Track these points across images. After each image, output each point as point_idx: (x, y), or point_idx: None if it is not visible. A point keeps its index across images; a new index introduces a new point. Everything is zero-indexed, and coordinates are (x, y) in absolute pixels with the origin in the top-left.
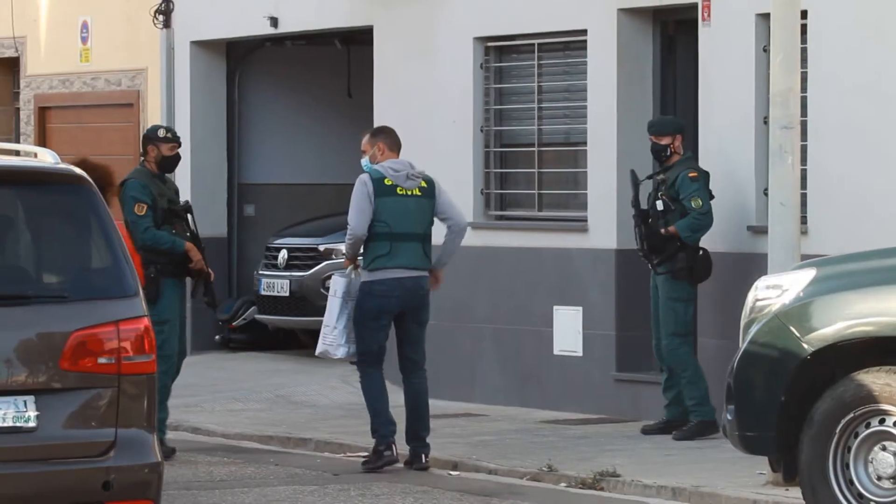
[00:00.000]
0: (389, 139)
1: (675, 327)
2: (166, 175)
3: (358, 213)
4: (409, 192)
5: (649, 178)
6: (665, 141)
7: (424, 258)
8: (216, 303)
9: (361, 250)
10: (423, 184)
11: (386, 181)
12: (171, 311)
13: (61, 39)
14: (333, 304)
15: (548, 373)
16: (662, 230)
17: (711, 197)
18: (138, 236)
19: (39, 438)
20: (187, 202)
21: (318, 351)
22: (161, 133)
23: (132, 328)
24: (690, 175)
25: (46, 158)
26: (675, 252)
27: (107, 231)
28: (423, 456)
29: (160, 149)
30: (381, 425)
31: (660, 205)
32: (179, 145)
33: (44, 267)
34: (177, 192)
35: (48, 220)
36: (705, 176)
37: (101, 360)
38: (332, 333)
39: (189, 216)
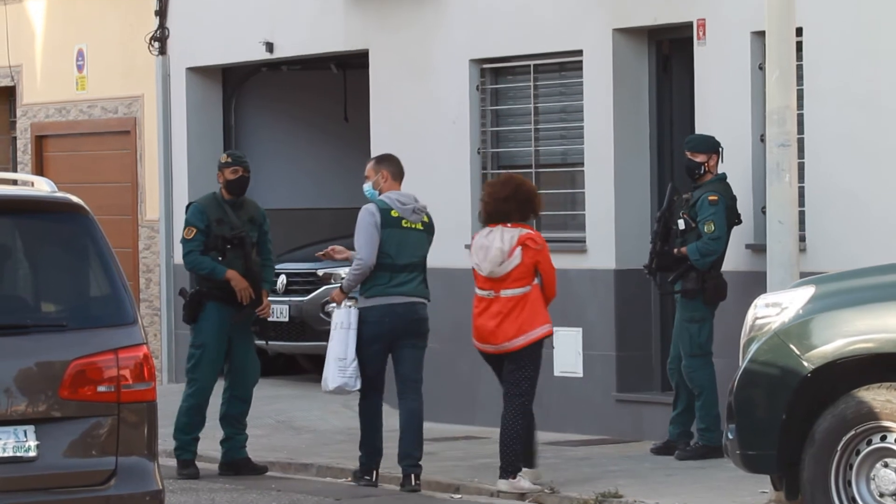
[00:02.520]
0: (393, 168)
1: (690, 348)
2: (248, 202)
3: (366, 244)
4: (413, 226)
5: (681, 196)
6: (700, 158)
7: (421, 286)
8: (267, 334)
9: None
10: (426, 219)
11: (392, 213)
12: (208, 335)
13: (57, 67)
14: (344, 336)
15: (548, 394)
16: (675, 250)
17: (738, 222)
18: (182, 258)
19: (40, 468)
20: (241, 233)
21: (332, 385)
22: (222, 159)
23: (131, 356)
24: (710, 198)
25: (43, 187)
26: (687, 272)
27: (105, 259)
28: (414, 477)
29: (224, 174)
30: (366, 454)
31: (681, 224)
32: (244, 168)
33: (42, 296)
34: (253, 220)
35: (46, 249)
36: (730, 200)
37: (101, 389)
38: (351, 367)
39: (249, 247)
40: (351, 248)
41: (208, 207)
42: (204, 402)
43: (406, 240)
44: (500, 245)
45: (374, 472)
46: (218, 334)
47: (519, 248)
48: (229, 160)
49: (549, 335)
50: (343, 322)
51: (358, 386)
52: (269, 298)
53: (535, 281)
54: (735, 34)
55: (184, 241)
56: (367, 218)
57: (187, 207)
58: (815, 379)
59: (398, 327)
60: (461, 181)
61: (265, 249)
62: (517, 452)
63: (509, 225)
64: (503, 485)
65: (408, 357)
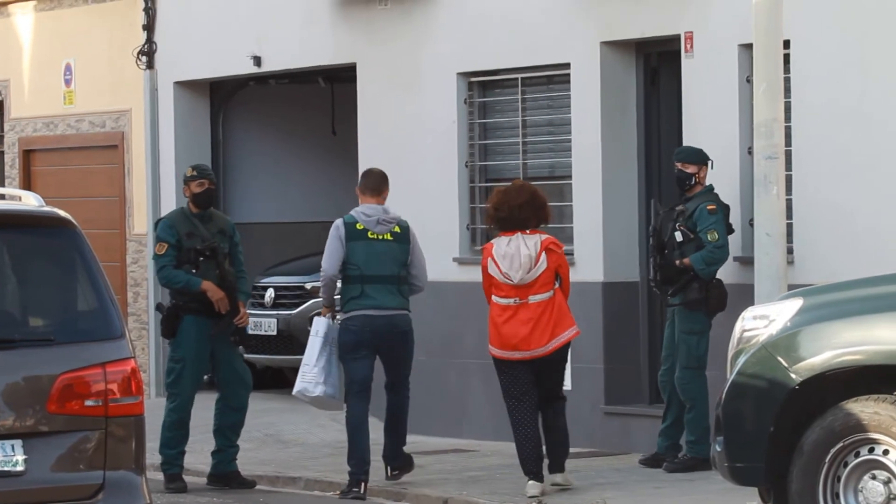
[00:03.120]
0: (366, 181)
1: (687, 360)
2: (216, 215)
3: (328, 256)
4: (380, 237)
5: (671, 209)
6: (691, 170)
7: (397, 298)
8: (245, 342)
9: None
10: (397, 229)
11: (357, 226)
12: (187, 349)
13: (45, 82)
14: (314, 344)
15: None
16: (677, 262)
17: (730, 231)
18: (156, 274)
19: (28, 482)
20: (213, 244)
21: (295, 390)
22: (188, 172)
23: (119, 370)
24: (709, 208)
25: (31, 201)
26: (689, 283)
27: (92, 273)
28: (391, 469)
29: (190, 187)
30: (354, 464)
31: (678, 236)
32: (209, 181)
33: (30, 310)
34: (223, 231)
35: (34, 263)
36: (724, 209)
37: (89, 403)
38: (311, 372)
39: (222, 257)
40: None
41: (177, 222)
42: (186, 416)
43: (372, 251)
44: (527, 252)
45: (363, 485)
46: (197, 347)
47: (544, 254)
48: (195, 173)
49: (577, 336)
50: (314, 330)
51: (318, 392)
52: (258, 312)
53: (556, 285)
54: (722, 47)
55: (156, 256)
56: (332, 232)
57: (156, 224)
58: (803, 391)
59: (379, 340)
60: (449, 194)
61: (237, 261)
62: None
63: (527, 232)
64: (561, 478)
65: (394, 363)
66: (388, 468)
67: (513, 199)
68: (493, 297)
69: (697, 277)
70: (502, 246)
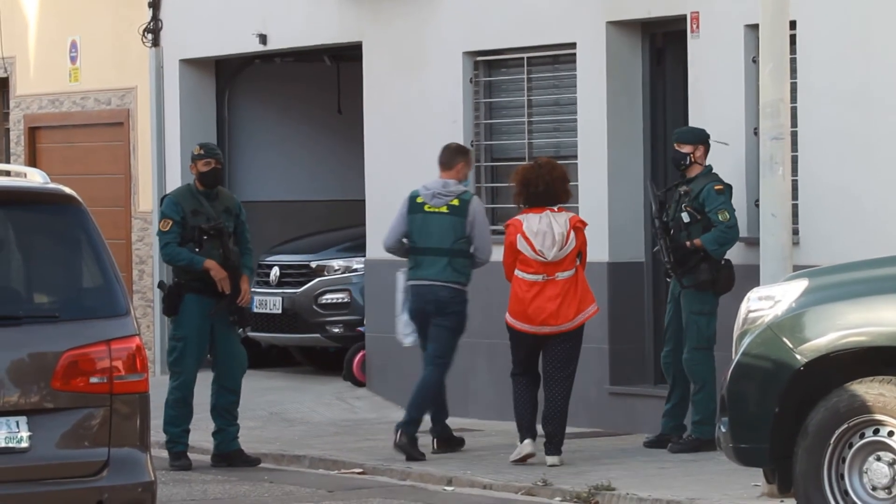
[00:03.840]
0: (439, 157)
1: (697, 341)
2: (223, 193)
3: (389, 229)
4: (436, 210)
5: (668, 190)
6: (686, 150)
7: (445, 271)
8: (244, 323)
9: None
10: (455, 202)
11: (418, 199)
12: (189, 327)
13: (50, 59)
14: (398, 297)
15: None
16: (687, 243)
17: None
18: (159, 251)
19: (32, 459)
20: (218, 223)
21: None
22: (195, 150)
23: (124, 347)
24: (717, 188)
25: (36, 178)
26: (698, 264)
27: (97, 250)
28: (400, 434)
29: (197, 166)
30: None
31: (685, 217)
32: (216, 160)
33: (35, 287)
34: (228, 210)
35: (39, 240)
36: (729, 189)
37: (93, 380)
38: (400, 323)
39: (226, 237)
40: (343, 239)
41: (183, 199)
42: (189, 394)
43: (427, 224)
44: (560, 229)
45: (434, 440)
46: (199, 325)
47: (573, 232)
48: (202, 152)
49: (597, 313)
50: (397, 285)
51: (407, 342)
52: (263, 290)
53: (577, 262)
54: (728, 27)
55: (160, 233)
56: (400, 206)
57: (162, 200)
58: (808, 372)
59: (420, 308)
60: None
61: (243, 238)
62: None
63: (555, 209)
64: (557, 460)
65: (432, 336)
66: (399, 433)
67: (546, 175)
68: (518, 273)
69: (707, 259)
70: (534, 223)
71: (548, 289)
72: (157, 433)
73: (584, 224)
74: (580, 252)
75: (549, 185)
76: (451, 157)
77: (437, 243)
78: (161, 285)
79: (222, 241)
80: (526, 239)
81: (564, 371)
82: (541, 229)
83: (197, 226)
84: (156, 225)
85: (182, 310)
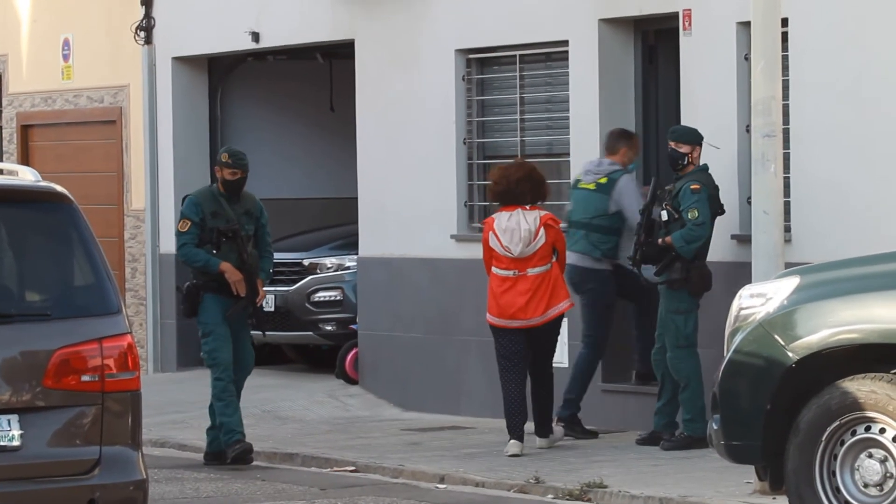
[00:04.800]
0: (605, 142)
1: (677, 340)
2: (245, 195)
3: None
4: (586, 186)
5: (667, 191)
6: (684, 149)
7: (581, 242)
8: (263, 325)
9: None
10: (603, 180)
11: (577, 177)
12: (213, 321)
13: (43, 57)
14: None
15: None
16: (660, 240)
17: (722, 212)
18: (176, 251)
19: (24, 457)
20: (234, 226)
21: None
22: (223, 157)
23: (115, 345)
24: (692, 187)
25: (28, 176)
26: (671, 262)
27: (89, 248)
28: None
29: (223, 173)
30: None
31: (664, 215)
32: (242, 171)
33: (26, 285)
34: (249, 213)
35: (30, 238)
36: (714, 189)
37: (85, 378)
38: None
39: (244, 240)
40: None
41: (204, 200)
42: (230, 381)
43: (577, 199)
44: (527, 226)
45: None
46: (222, 318)
47: (543, 229)
48: (230, 161)
49: (571, 308)
50: None
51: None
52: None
53: (554, 259)
54: (721, 24)
55: (178, 233)
56: None
57: (183, 200)
58: (800, 369)
59: (569, 283)
60: (447, 171)
61: (263, 241)
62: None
63: (527, 207)
64: (545, 443)
65: (580, 313)
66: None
67: (511, 174)
68: (493, 269)
69: (679, 257)
70: (503, 220)
71: (519, 284)
72: (149, 431)
73: (557, 222)
74: (556, 249)
75: (513, 184)
76: (613, 141)
77: (579, 216)
78: (178, 288)
79: (238, 243)
80: (496, 236)
81: (542, 365)
82: (509, 226)
83: (215, 227)
84: (149, 221)
85: (202, 309)
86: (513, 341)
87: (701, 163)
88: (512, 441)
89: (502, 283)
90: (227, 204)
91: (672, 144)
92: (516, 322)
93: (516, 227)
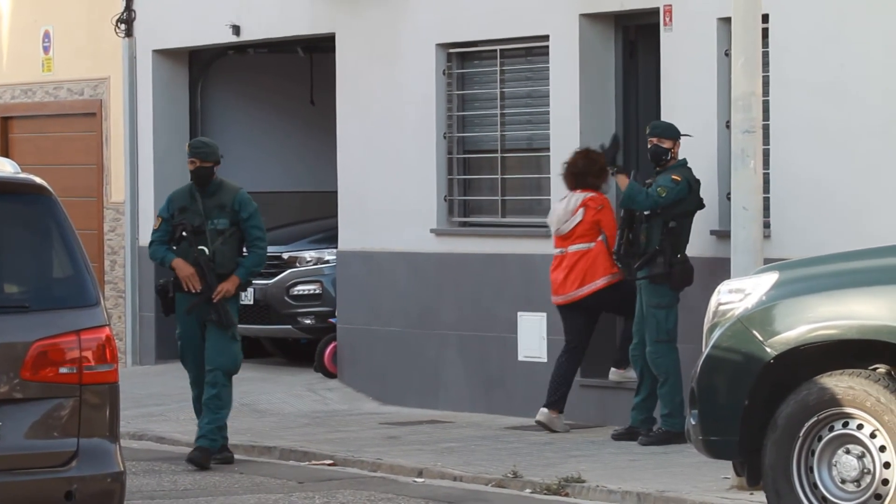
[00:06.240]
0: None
1: (657, 334)
2: (224, 189)
3: None
4: None
5: (647, 185)
6: (667, 145)
7: None
8: (224, 322)
9: None
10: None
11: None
12: (181, 324)
13: (23, 49)
14: None
15: (513, 379)
16: (619, 162)
17: (701, 206)
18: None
19: (1, 449)
20: (181, 221)
21: None
22: (186, 148)
23: (93, 337)
24: (674, 177)
25: (6, 168)
26: (653, 257)
27: (68, 240)
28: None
29: (189, 164)
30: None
31: (630, 178)
32: (199, 159)
33: (4, 277)
34: (222, 206)
35: (8, 230)
36: (696, 183)
37: (63, 370)
38: None
39: (197, 235)
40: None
41: (177, 196)
42: (200, 391)
43: None
44: (567, 206)
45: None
46: (188, 321)
47: (581, 209)
48: (188, 150)
49: (615, 283)
50: None
51: None
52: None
53: (600, 238)
54: (701, 20)
55: (152, 231)
56: None
57: None
58: (778, 365)
59: None
60: (427, 165)
61: (248, 235)
62: (566, 392)
63: (580, 190)
64: (542, 416)
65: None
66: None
67: (571, 161)
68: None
69: (662, 252)
70: (555, 202)
71: (564, 261)
72: (128, 423)
73: (597, 203)
74: (601, 229)
75: (569, 167)
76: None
77: None
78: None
79: (199, 239)
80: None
81: (569, 343)
82: (557, 207)
83: (179, 223)
84: (129, 214)
85: (176, 308)
86: (562, 317)
87: (680, 157)
88: (542, 408)
89: (553, 261)
90: (203, 198)
91: (654, 140)
92: (557, 298)
93: (560, 206)
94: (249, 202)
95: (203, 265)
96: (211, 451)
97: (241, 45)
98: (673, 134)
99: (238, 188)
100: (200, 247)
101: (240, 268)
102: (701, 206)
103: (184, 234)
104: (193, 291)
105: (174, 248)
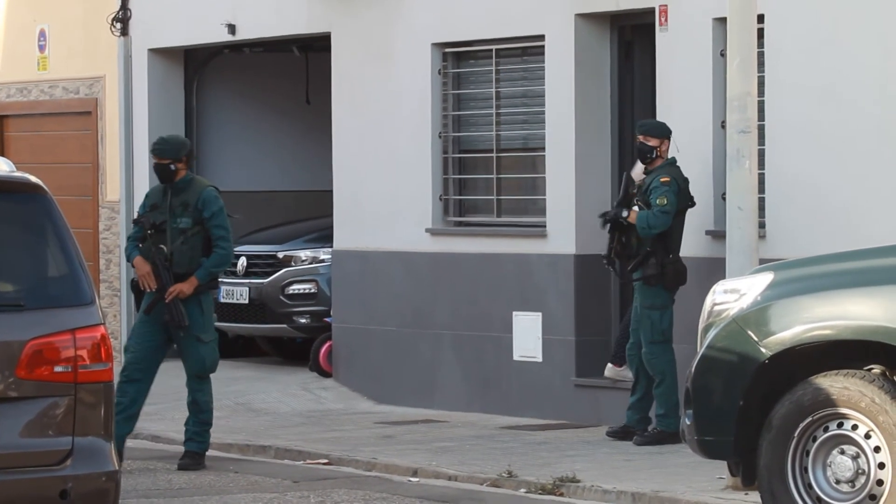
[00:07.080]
0: None
1: (652, 335)
2: (192, 186)
3: None
4: None
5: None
6: (653, 143)
7: None
8: (178, 322)
9: None
10: None
11: None
12: (137, 320)
13: (19, 48)
14: None
15: (507, 378)
16: (623, 214)
17: (692, 205)
18: None
19: None
20: (140, 219)
21: None
22: (150, 145)
23: (88, 336)
24: (662, 179)
25: (1, 167)
26: (646, 258)
27: (63, 239)
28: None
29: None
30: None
31: (636, 209)
32: (157, 156)
33: None
34: (186, 204)
35: (3, 229)
36: (683, 182)
37: (58, 369)
38: None
39: (170, 233)
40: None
41: (153, 194)
42: (125, 379)
43: None
44: None
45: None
46: (147, 319)
47: None
48: (152, 147)
49: None
50: None
51: None
52: (230, 280)
53: None
54: (697, 21)
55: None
56: None
57: None
58: (773, 365)
59: None
60: (422, 165)
61: (212, 235)
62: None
63: None
64: (611, 370)
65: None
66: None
67: None
68: None
69: (654, 253)
70: None
71: None
72: None
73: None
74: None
75: None
76: None
77: None
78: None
79: (161, 237)
80: None
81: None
82: None
83: (143, 220)
84: (124, 213)
85: (141, 306)
86: None
87: (669, 156)
88: (609, 364)
89: None
90: (172, 196)
91: (641, 138)
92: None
93: None
94: (214, 201)
95: (159, 264)
96: (199, 454)
97: (236, 44)
98: (659, 132)
99: (206, 186)
100: (160, 245)
101: (200, 268)
102: (691, 204)
103: (149, 232)
104: (149, 290)
105: (139, 245)
